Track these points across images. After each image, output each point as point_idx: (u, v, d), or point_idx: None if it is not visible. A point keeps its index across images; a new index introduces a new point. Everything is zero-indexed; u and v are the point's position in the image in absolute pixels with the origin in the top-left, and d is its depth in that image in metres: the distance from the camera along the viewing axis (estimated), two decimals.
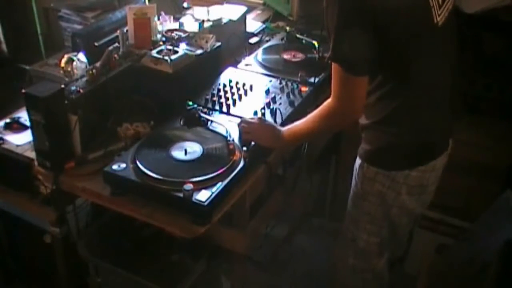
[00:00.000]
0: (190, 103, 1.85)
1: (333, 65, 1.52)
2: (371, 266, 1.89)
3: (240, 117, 1.81)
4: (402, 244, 2.02)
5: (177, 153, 1.67)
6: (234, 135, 1.74)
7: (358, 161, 1.76)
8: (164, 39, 2.01)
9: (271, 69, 2.16)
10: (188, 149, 1.68)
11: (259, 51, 2.29)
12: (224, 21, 2.26)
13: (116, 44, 1.91)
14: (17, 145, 1.86)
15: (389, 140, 1.65)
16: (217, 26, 2.21)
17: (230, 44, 2.25)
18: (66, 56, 1.86)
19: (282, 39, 2.42)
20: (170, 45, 1.95)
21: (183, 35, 2.01)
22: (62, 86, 1.69)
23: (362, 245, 1.84)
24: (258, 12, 2.80)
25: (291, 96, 1.96)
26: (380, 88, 1.59)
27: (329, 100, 1.59)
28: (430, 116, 1.65)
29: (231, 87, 2.01)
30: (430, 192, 1.80)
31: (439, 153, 1.73)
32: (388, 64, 1.53)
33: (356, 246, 1.85)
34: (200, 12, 2.25)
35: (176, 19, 2.21)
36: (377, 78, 1.57)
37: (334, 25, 1.46)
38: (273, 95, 1.97)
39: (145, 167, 1.58)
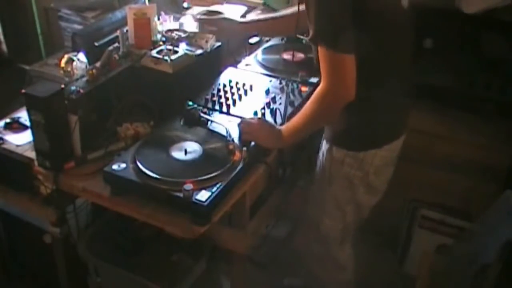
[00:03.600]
0: (190, 103, 1.85)
1: (319, 47, 1.55)
2: (332, 253, 1.93)
3: (240, 117, 1.81)
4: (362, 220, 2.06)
5: (177, 153, 1.67)
6: (234, 135, 1.74)
7: (325, 145, 1.80)
8: (164, 39, 2.01)
9: (271, 69, 2.16)
10: (188, 149, 1.68)
11: (259, 51, 2.29)
12: None
13: (116, 44, 1.92)
14: (17, 145, 1.86)
15: (356, 120, 1.68)
16: None
17: (230, 44, 2.25)
18: (66, 56, 1.86)
19: (282, 39, 2.42)
20: (170, 45, 1.95)
21: (183, 35, 2.01)
22: (62, 86, 1.69)
23: (325, 230, 1.88)
24: (258, 12, 2.80)
25: (291, 96, 1.96)
26: (357, 68, 1.61)
27: (320, 84, 1.60)
28: (395, 95, 1.71)
29: (231, 87, 2.01)
30: (389, 172, 1.88)
31: (402, 132, 1.82)
32: (363, 42, 1.55)
33: (319, 231, 1.89)
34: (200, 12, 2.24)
35: (176, 19, 2.21)
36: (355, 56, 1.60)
37: (314, 6, 1.50)
38: (273, 95, 1.97)
39: (145, 167, 1.58)
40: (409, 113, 1.85)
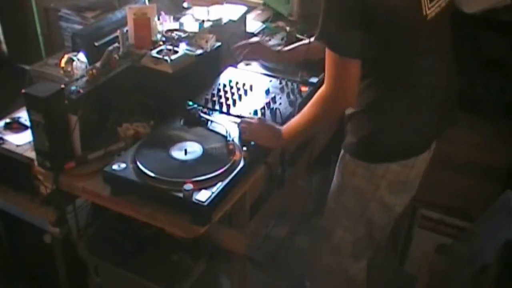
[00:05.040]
0: (190, 103, 1.85)
1: (326, 49, 1.52)
2: (344, 267, 1.87)
3: (240, 117, 1.81)
4: (380, 248, 2.00)
5: (177, 153, 1.67)
6: (234, 135, 1.74)
7: (341, 153, 1.76)
8: (164, 39, 2.01)
9: (271, 69, 2.16)
10: (188, 149, 1.68)
11: None
12: (224, 21, 2.26)
13: (116, 44, 1.92)
14: (17, 145, 1.87)
15: (371, 130, 1.64)
16: (217, 26, 2.21)
17: (230, 44, 2.25)
18: (66, 56, 1.86)
19: (282, 39, 2.42)
20: (170, 45, 1.95)
21: (183, 35, 2.01)
22: (62, 86, 1.69)
23: (336, 241, 1.83)
24: (258, 12, 2.80)
25: (291, 96, 1.96)
26: (368, 76, 1.58)
27: (323, 86, 1.58)
28: (415, 111, 1.63)
29: (231, 87, 2.01)
30: (409, 190, 1.80)
31: (421, 150, 1.71)
32: (375, 50, 1.52)
33: (331, 241, 1.84)
34: (200, 12, 2.24)
35: (176, 19, 2.21)
36: (366, 65, 1.55)
37: (323, 5, 1.47)
38: (273, 95, 1.97)
39: (145, 167, 1.58)
40: (436, 134, 1.75)
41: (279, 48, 2.11)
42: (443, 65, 1.66)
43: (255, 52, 2.08)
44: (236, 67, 2.17)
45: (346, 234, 1.81)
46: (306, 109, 1.65)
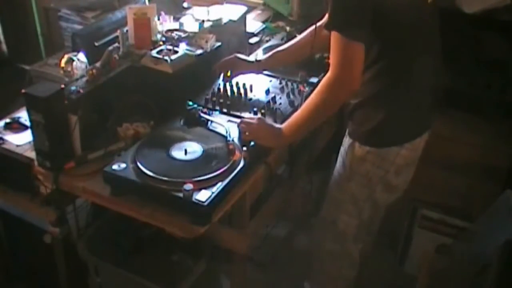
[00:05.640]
0: (190, 103, 1.85)
1: (332, 34, 1.55)
2: (347, 251, 1.94)
3: (240, 117, 1.81)
4: (374, 232, 2.08)
5: (177, 153, 1.67)
6: (234, 135, 1.74)
7: (347, 141, 1.80)
8: (164, 39, 2.01)
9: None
10: (188, 149, 1.68)
11: (259, 51, 2.29)
12: (224, 21, 2.26)
13: (116, 44, 1.92)
14: (17, 145, 1.86)
15: (381, 118, 1.69)
16: (217, 26, 2.21)
17: (230, 44, 2.25)
18: (66, 56, 1.86)
19: (282, 39, 2.42)
20: (170, 45, 1.95)
21: (183, 35, 2.01)
22: (62, 86, 1.69)
23: (342, 227, 1.89)
24: (258, 12, 2.80)
25: (291, 96, 1.96)
26: (374, 65, 1.64)
27: (328, 73, 1.59)
28: (419, 93, 1.72)
29: (231, 87, 2.01)
30: (411, 172, 1.88)
31: (424, 130, 1.81)
32: (384, 34, 1.58)
33: (336, 228, 1.90)
34: (200, 12, 2.24)
35: (176, 19, 2.21)
36: (372, 53, 1.61)
37: None
38: (273, 95, 1.97)
39: (145, 167, 1.58)
40: (432, 112, 1.84)
41: (259, 57, 2.09)
42: (436, 48, 1.75)
43: (233, 67, 2.03)
44: None
45: (351, 219, 1.87)
46: (309, 100, 1.66)
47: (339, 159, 1.87)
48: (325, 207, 1.96)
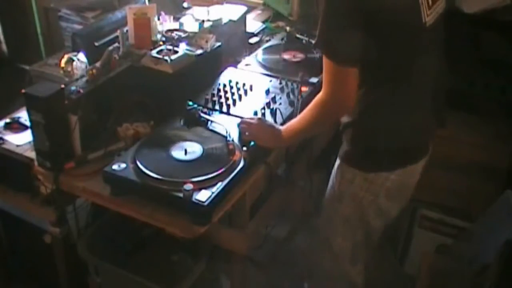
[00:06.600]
0: (190, 103, 1.85)
1: (323, 56, 1.52)
2: (345, 273, 1.87)
3: (240, 117, 1.81)
4: (375, 250, 1.98)
5: (177, 153, 1.67)
6: (234, 135, 1.74)
7: (337, 161, 1.75)
8: (164, 39, 2.01)
9: (271, 69, 2.15)
10: (188, 149, 1.68)
11: (259, 51, 2.29)
12: (224, 21, 2.26)
13: (116, 44, 1.92)
14: (17, 145, 1.86)
15: (369, 140, 1.63)
16: (217, 26, 2.21)
17: (230, 44, 2.25)
18: (66, 56, 1.86)
19: (282, 39, 2.42)
20: (170, 45, 1.95)
21: (183, 35, 2.01)
22: (62, 86, 1.69)
23: (336, 250, 1.83)
24: (258, 12, 2.80)
25: (291, 96, 1.96)
26: (364, 84, 1.56)
27: (321, 91, 1.58)
28: (412, 117, 1.62)
29: (231, 87, 2.01)
30: (406, 197, 1.79)
31: (419, 157, 1.71)
32: (373, 58, 1.50)
33: (331, 250, 1.84)
34: (200, 12, 2.24)
35: (176, 19, 2.21)
36: (362, 73, 1.53)
37: (321, 11, 1.46)
38: (273, 95, 1.97)
39: (145, 167, 1.58)
40: (431, 138, 1.74)
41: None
42: (436, 68, 1.65)
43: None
44: (236, 67, 2.17)
45: (344, 241, 1.81)
46: (305, 112, 1.64)
47: (331, 177, 1.81)
48: (320, 223, 1.91)
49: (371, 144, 1.63)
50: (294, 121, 1.69)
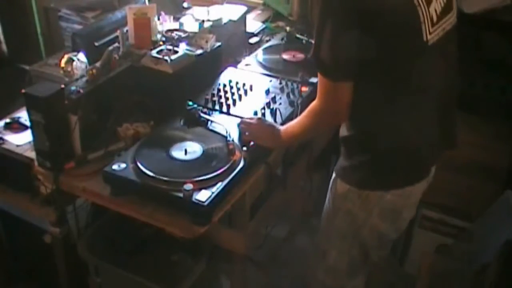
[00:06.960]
0: (190, 103, 1.85)
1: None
2: (340, 285, 1.84)
3: (240, 117, 1.81)
4: (378, 264, 1.93)
5: (177, 153, 1.67)
6: (234, 135, 1.74)
7: (333, 175, 1.72)
8: (164, 39, 2.01)
9: (271, 69, 2.16)
10: (188, 149, 1.68)
11: (259, 51, 2.29)
12: (224, 21, 2.26)
13: (116, 44, 1.92)
14: (17, 145, 1.86)
15: (364, 156, 1.58)
16: (217, 26, 2.21)
17: (230, 44, 2.25)
18: (66, 56, 1.86)
19: (282, 39, 2.42)
20: (170, 45, 1.95)
21: (183, 35, 2.01)
22: (62, 86, 1.69)
23: (331, 262, 1.80)
24: (258, 12, 2.80)
25: (291, 96, 1.96)
26: (363, 99, 1.50)
27: (315, 100, 1.56)
28: (412, 137, 1.55)
29: (231, 87, 2.01)
30: (404, 219, 1.73)
31: (418, 179, 1.64)
32: (371, 73, 1.45)
33: (326, 262, 1.81)
34: (200, 12, 2.25)
35: (176, 19, 2.21)
36: (360, 87, 1.48)
37: (316, 26, 1.44)
38: (273, 95, 1.97)
39: (145, 167, 1.58)
40: (433, 160, 1.68)
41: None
42: (442, 86, 1.57)
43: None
44: (236, 67, 2.17)
45: (340, 255, 1.77)
46: (301, 117, 1.63)
47: (328, 192, 1.77)
48: (318, 234, 1.87)
49: (366, 160, 1.58)
50: (292, 124, 1.68)
